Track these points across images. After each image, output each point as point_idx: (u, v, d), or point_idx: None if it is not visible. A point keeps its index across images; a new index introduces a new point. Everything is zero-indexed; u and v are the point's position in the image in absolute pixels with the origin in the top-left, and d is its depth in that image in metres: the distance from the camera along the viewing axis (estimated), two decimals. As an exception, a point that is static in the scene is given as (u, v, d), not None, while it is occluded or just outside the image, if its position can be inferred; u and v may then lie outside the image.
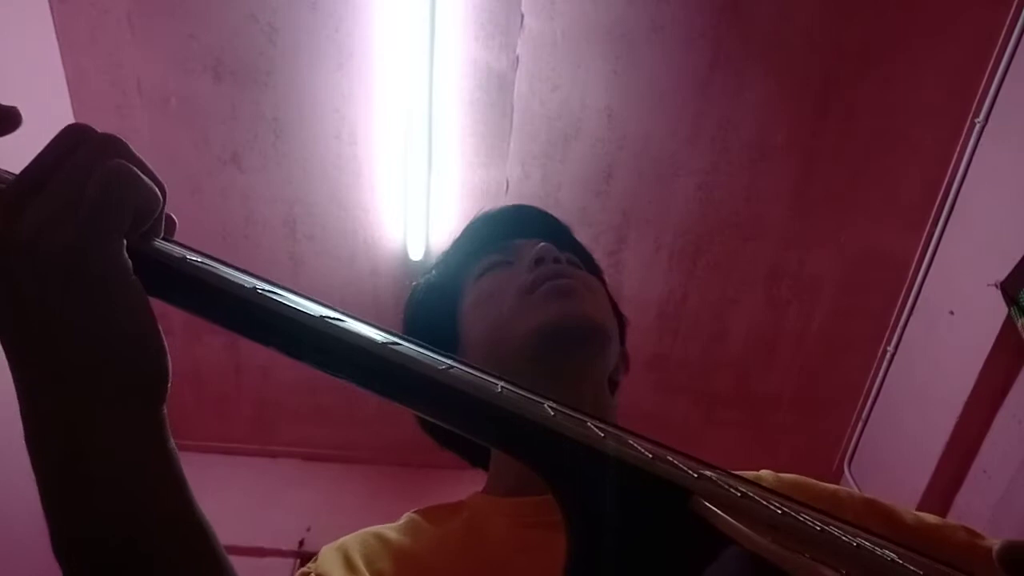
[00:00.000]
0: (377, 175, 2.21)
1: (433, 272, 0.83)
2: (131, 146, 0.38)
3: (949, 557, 0.55)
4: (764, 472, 0.69)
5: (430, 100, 2.00)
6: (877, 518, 0.63)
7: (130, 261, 0.36)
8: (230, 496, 2.47)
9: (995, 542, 0.60)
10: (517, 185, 2.21)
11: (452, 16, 1.95)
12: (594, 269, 0.81)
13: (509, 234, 0.79)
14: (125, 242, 0.36)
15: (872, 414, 2.53)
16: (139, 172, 0.37)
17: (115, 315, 0.36)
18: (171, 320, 2.61)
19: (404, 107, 2.04)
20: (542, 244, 0.71)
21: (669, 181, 2.24)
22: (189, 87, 2.06)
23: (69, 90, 2.04)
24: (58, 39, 1.99)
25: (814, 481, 0.68)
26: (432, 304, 0.78)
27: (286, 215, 2.27)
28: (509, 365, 0.64)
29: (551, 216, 0.86)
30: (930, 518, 0.64)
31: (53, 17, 1.96)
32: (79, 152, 0.37)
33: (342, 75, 2.05)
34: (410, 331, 0.75)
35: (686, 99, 2.13)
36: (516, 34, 2.02)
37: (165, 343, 0.40)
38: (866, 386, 2.54)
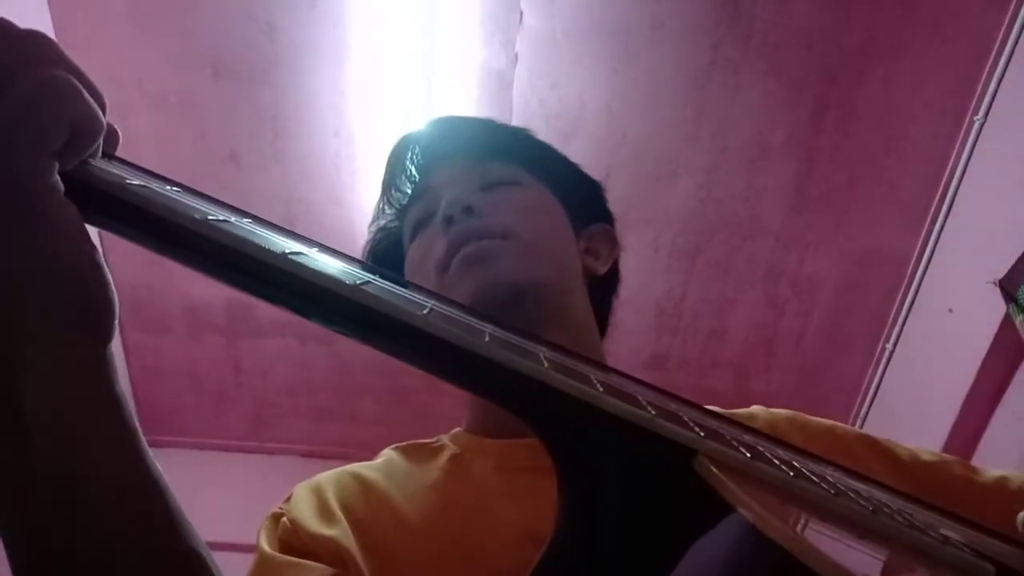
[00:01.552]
0: (377, 174, 2.20)
1: (375, 230, 0.79)
2: (61, 48, 0.34)
3: (946, 493, 0.55)
4: (756, 408, 0.67)
5: (429, 98, 2.00)
6: (873, 454, 0.62)
7: (62, 184, 0.32)
8: (229, 494, 2.47)
9: (990, 475, 0.60)
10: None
11: (451, 14, 1.95)
12: (532, 157, 0.75)
13: (429, 164, 0.74)
14: (57, 164, 0.32)
15: (871, 412, 2.53)
16: (77, 84, 0.33)
17: (43, 242, 0.31)
18: (170, 319, 2.59)
19: (403, 105, 2.04)
20: (449, 196, 0.65)
21: (668, 180, 2.24)
22: (188, 85, 2.06)
23: (68, 88, 2.04)
24: (58, 38, 1.98)
25: (809, 417, 0.67)
26: (383, 263, 0.75)
27: (285, 213, 2.27)
28: None
29: (466, 122, 0.79)
30: (926, 454, 0.63)
31: (52, 16, 1.95)
32: (5, 55, 0.32)
33: (341, 73, 2.05)
34: None
35: (686, 98, 2.13)
36: (515, 32, 2.02)
37: (107, 274, 0.35)
38: (865, 384, 2.54)
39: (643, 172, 2.22)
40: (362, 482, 0.59)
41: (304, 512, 0.56)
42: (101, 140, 0.35)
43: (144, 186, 0.34)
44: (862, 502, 0.30)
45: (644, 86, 2.11)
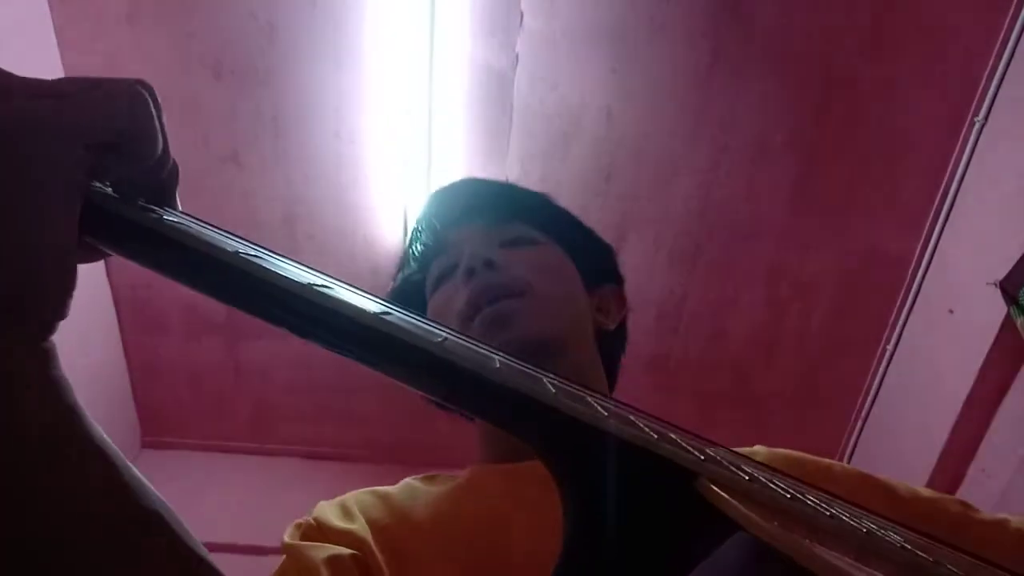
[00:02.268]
0: (376, 174, 2.20)
1: (398, 283, 0.84)
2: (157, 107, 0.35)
3: (943, 530, 0.56)
4: (758, 447, 0.69)
5: (430, 99, 2.00)
6: (872, 492, 0.63)
7: (97, 215, 0.32)
8: (230, 495, 2.48)
9: (989, 515, 0.60)
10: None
11: (452, 15, 1.95)
12: (549, 220, 0.79)
13: (450, 222, 0.79)
14: (89, 157, 0.32)
15: (871, 413, 2.53)
16: (155, 115, 0.34)
17: (28, 202, 0.30)
18: (170, 320, 2.60)
19: (404, 106, 2.04)
20: (470, 251, 0.70)
21: (669, 180, 2.24)
22: (189, 86, 2.06)
23: (68, 89, 2.04)
24: (57, 38, 1.98)
25: (808, 456, 0.68)
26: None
27: (286, 214, 2.27)
28: None
29: (488, 185, 0.85)
30: (924, 492, 0.64)
31: (53, 17, 1.96)
32: (108, 79, 0.34)
33: (342, 74, 2.05)
34: None
35: (686, 98, 2.13)
36: (516, 33, 2.02)
37: (72, 280, 0.33)
38: (865, 385, 2.54)
39: (643, 172, 2.22)
40: (381, 496, 0.63)
41: (327, 514, 0.60)
42: (156, 183, 0.37)
43: (181, 222, 0.35)
44: (855, 523, 0.31)
45: (644, 86, 2.11)
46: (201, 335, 2.45)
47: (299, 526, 0.60)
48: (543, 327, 0.67)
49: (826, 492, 0.39)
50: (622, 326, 0.81)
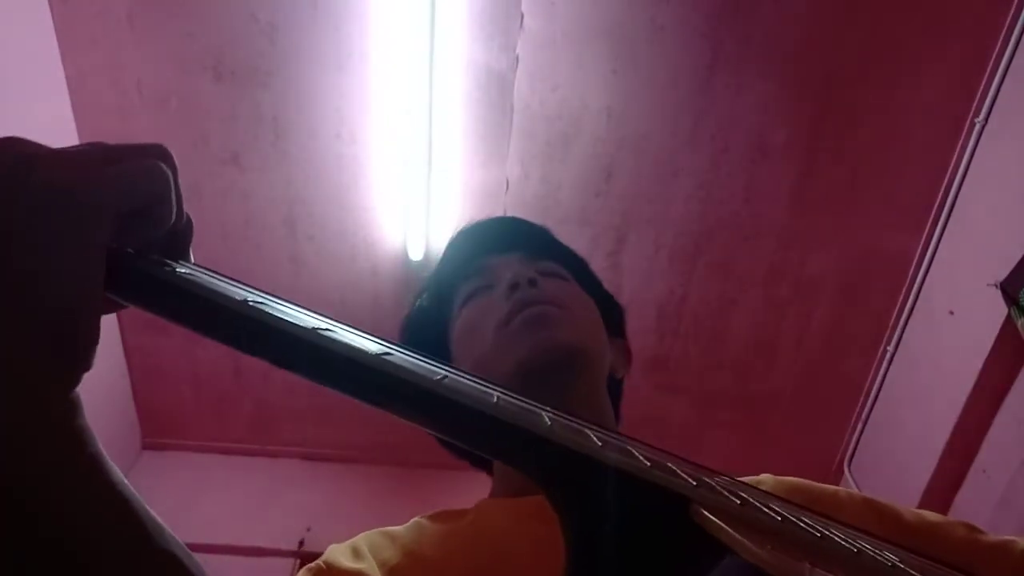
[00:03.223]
0: (377, 175, 2.21)
1: (423, 299, 0.85)
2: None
3: (949, 554, 0.56)
4: (764, 476, 0.70)
5: (430, 100, 2.00)
6: (877, 517, 0.63)
7: (115, 269, 0.35)
8: (230, 496, 2.48)
9: (995, 538, 0.60)
10: (517, 185, 2.21)
11: (452, 16, 1.95)
12: (577, 267, 0.83)
13: (487, 251, 0.81)
14: (112, 227, 0.34)
15: (872, 414, 2.53)
16: (173, 187, 0.37)
17: (65, 266, 0.33)
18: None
19: (404, 107, 2.04)
20: (515, 269, 0.73)
21: (669, 181, 2.24)
22: (189, 87, 2.06)
23: (69, 90, 2.04)
24: (58, 39, 1.99)
25: (813, 483, 0.68)
26: (425, 335, 0.81)
27: (286, 215, 2.27)
28: None
29: (527, 224, 0.88)
30: (930, 516, 0.64)
31: (53, 17, 1.96)
32: (129, 146, 0.37)
33: (342, 75, 2.05)
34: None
35: (686, 99, 2.13)
36: (516, 34, 2.02)
37: (97, 331, 0.36)
38: (866, 386, 2.54)
39: (643, 173, 2.22)
40: (392, 538, 0.64)
41: (337, 557, 0.60)
42: (171, 241, 0.40)
43: (192, 274, 0.37)
44: (847, 544, 0.31)
45: (644, 86, 2.11)
46: (201, 337, 2.45)
47: (310, 571, 0.60)
48: (580, 337, 0.69)
49: (821, 515, 0.39)
50: (621, 383, 0.84)
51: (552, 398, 0.63)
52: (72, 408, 0.35)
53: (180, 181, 0.39)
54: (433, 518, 0.68)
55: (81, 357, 0.35)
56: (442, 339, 0.78)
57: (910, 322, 2.36)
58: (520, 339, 0.67)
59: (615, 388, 0.80)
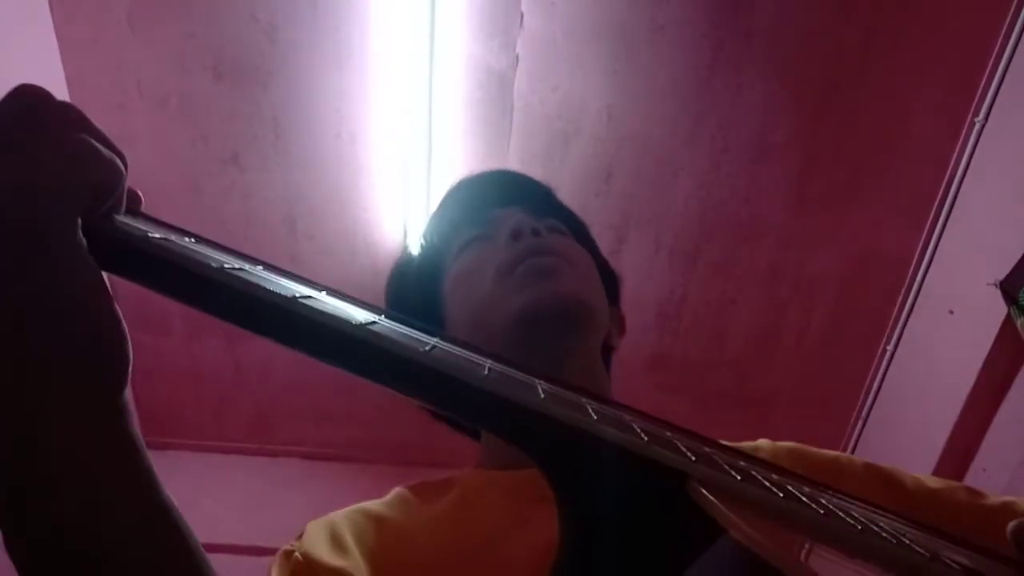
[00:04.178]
0: (377, 174, 2.20)
1: (414, 246, 0.81)
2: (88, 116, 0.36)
3: (952, 519, 0.55)
4: (761, 441, 0.68)
5: (430, 99, 2.00)
6: (878, 483, 0.62)
7: (85, 241, 0.34)
8: (229, 496, 2.48)
9: (996, 499, 0.59)
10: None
11: (452, 15, 1.95)
12: (578, 230, 0.80)
13: (488, 203, 0.77)
14: (81, 221, 0.34)
15: (872, 413, 2.53)
16: (100, 148, 0.35)
17: (69, 301, 0.33)
18: (170, 320, 2.59)
19: (404, 106, 2.04)
20: (518, 217, 0.70)
21: (669, 180, 2.24)
22: (189, 87, 2.06)
23: (69, 90, 2.04)
24: (58, 39, 1.98)
25: (812, 449, 0.67)
26: (415, 280, 0.78)
27: (286, 215, 2.27)
28: (492, 347, 0.63)
29: (530, 179, 0.84)
30: (931, 481, 0.63)
31: (53, 17, 1.96)
32: (36, 122, 0.35)
33: (342, 74, 2.05)
34: (394, 308, 0.74)
35: (686, 98, 2.13)
36: (516, 33, 2.02)
37: (124, 326, 0.37)
38: (866, 385, 2.54)
39: (643, 172, 2.22)
40: (374, 518, 0.60)
41: (317, 547, 0.57)
42: (124, 198, 0.38)
43: (165, 239, 0.36)
44: (850, 521, 0.31)
45: (644, 87, 2.11)
46: (201, 336, 2.45)
47: (287, 558, 0.57)
48: (585, 292, 0.66)
49: (824, 486, 0.39)
50: (611, 351, 0.81)
51: (551, 354, 0.62)
52: (125, 415, 0.35)
53: (104, 130, 0.37)
54: (417, 492, 0.65)
55: (120, 365, 0.35)
56: (433, 289, 0.74)
57: (910, 321, 2.36)
58: (523, 288, 0.64)
59: (607, 357, 0.77)
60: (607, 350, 0.76)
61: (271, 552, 0.60)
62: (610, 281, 0.80)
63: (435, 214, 0.81)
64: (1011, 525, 0.37)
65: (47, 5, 1.93)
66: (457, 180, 0.83)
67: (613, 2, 2.00)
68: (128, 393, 0.37)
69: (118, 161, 0.36)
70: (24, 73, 1.91)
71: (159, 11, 1.97)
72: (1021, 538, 0.37)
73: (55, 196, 0.33)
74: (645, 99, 2.13)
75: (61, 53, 2.00)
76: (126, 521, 0.34)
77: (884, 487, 0.62)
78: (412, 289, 0.77)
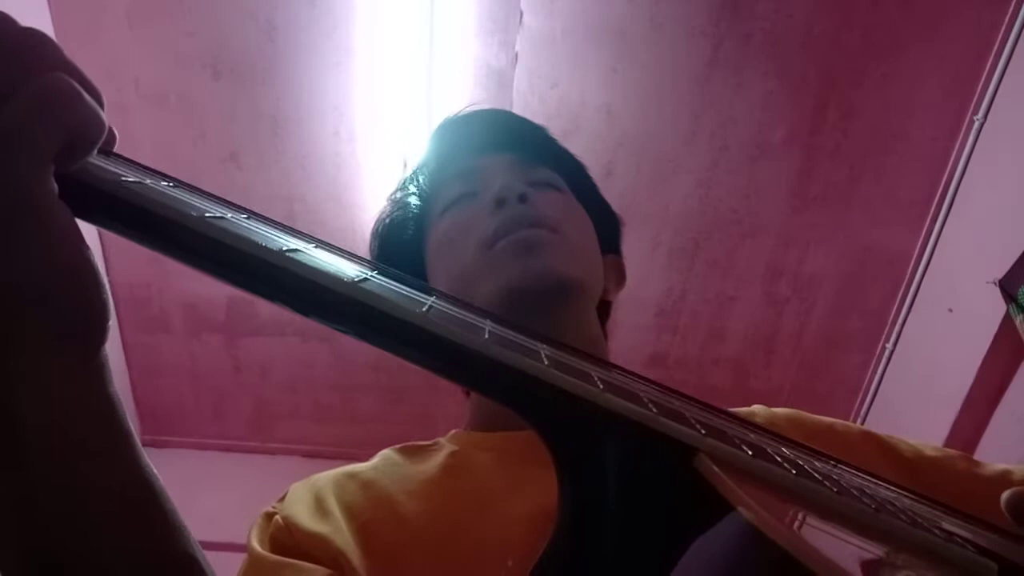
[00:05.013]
0: (376, 173, 2.20)
1: (398, 197, 0.77)
2: (60, 47, 0.34)
3: (950, 488, 0.55)
4: (757, 407, 0.67)
5: (429, 97, 2.00)
6: (875, 451, 0.62)
7: (56, 185, 0.31)
8: (229, 493, 2.47)
9: (993, 469, 0.59)
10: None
11: (451, 13, 1.95)
12: (574, 174, 0.76)
13: (477, 148, 0.73)
14: (53, 167, 0.31)
15: (871, 411, 2.53)
16: (77, 87, 0.32)
17: (39, 247, 0.31)
18: (170, 318, 2.59)
19: (403, 105, 2.04)
20: (504, 177, 0.66)
21: (668, 178, 2.24)
22: (188, 85, 2.06)
23: (68, 88, 2.04)
24: (56, 37, 1.98)
25: (809, 415, 0.66)
26: (397, 239, 0.74)
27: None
28: None
29: (523, 120, 0.79)
30: (929, 449, 0.62)
31: (51, 15, 1.95)
32: (6, 56, 0.32)
33: (341, 72, 2.05)
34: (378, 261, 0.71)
35: (685, 97, 2.13)
36: (515, 31, 2.02)
37: (102, 277, 0.34)
38: (865, 383, 2.55)
39: (643, 171, 2.22)
40: (360, 481, 0.58)
41: (298, 510, 0.55)
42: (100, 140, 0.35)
43: (139, 182, 0.33)
44: (865, 500, 0.30)
45: (644, 85, 2.11)
46: (201, 334, 2.45)
47: (268, 521, 0.55)
48: (570, 265, 0.62)
49: (836, 460, 0.38)
50: (609, 306, 0.77)
51: (539, 328, 0.60)
52: (101, 375, 0.33)
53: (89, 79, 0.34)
54: (405, 453, 0.63)
55: (98, 320, 0.33)
56: (415, 251, 0.71)
57: (909, 320, 2.36)
58: (506, 264, 0.60)
59: (603, 309, 0.74)
60: (604, 305, 0.73)
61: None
62: (608, 227, 0.76)
63: (420, 160, 0.77)
64: (1005, 495, 0.37)
65: (45, 3, 1.93)
66: (444, 120, 0.78)
67: (613, 1, 2.00)
68: (116, 348, 0.35)
69: (99, 110, 0.33)
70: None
71: (158, 9, 1.97)
72: (1016, 508, 0.37)
73: (23, 138, 0.30)
74: (644, 97, 2.13)
75: (60, 51, 2.00)
76: (101, 474, 0.32)
77: (882, 454, 0.61)
78: (395, 246, 0.73)
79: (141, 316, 2.37)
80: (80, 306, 0.32)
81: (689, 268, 2.39)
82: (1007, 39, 2.00)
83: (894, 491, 0.38)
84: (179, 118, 2.09)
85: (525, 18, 2.00)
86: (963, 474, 0.59)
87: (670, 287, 2.42)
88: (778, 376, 2.57)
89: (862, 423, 2.55)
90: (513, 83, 2.08)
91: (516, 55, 2.05)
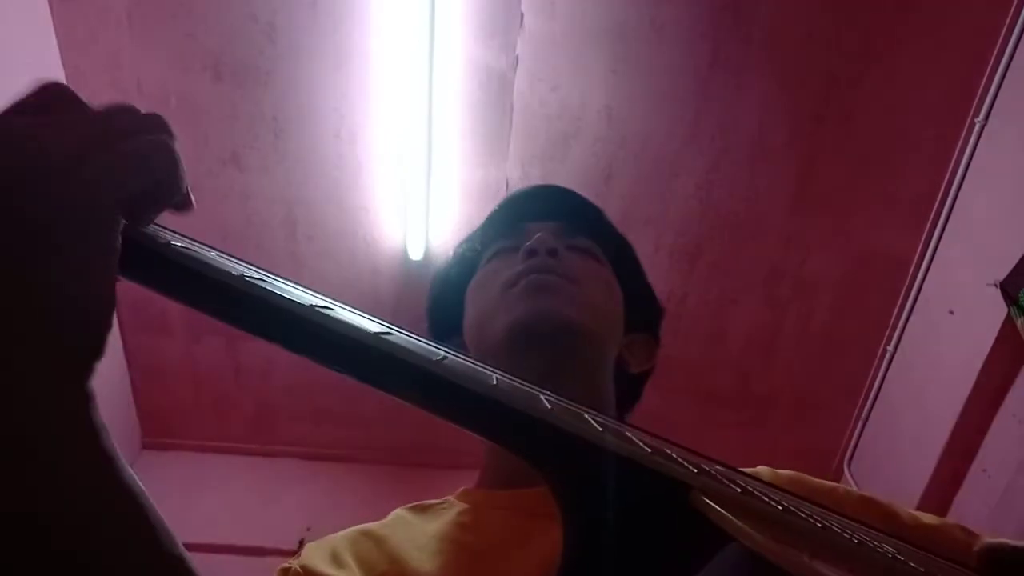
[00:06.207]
0: (377, 175, 2.20)
1: (459, 249, 0.85)
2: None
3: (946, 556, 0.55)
4: (761, 468, 0.69)
5: (430, 100, 2.00)
6: (874, 516, 0.63)
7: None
8: (230, 496, 2.48)
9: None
10: (517, 185, 2.21)
11: (452, 15, 1.95)
12: (621, 255, 0.82)
13: (528, 215, 0.80)
14: (122, 217, 0.32)
15: (872, 414, 2.53)
16: (178, 155, 0.36)
17: (81, 267, 0.31)
18: (170, 320, 2.60)
19: (404, 107, 2.04)
20: (537, 235, 0.72)
21: (669, 181, 2.24)
22: (189, 87, 2.06)
23: (69, 90, 2.04)
24: (58, 39, 1.98)
25: (811, 478, 0.68)
26: (449, 282, 0.81)
27: (286, 215, 2.27)
28: (489, 357, 0.64)
29: (577, 196, 0.86)
30: (927, 517, 0.64)
31: (53, 17, 1.96)
32: (128, 116, 0.35)
33: (342, 74, 2.05)
34: (433, 309, 0.82)
35: (686, 99, 2.13)
36: (516, 33, 2.02)
37: (114, 316, 0.34)
38: (866, 386, 2.54)
39: (643, 172, 2.22)
40: (374, 538, 0.61)
41: (316, 562, 0.57)
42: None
43: (188, 247, 0.36)
44: (847, 534, 0.31)
45: (644, 87, 2.11)
46: (202, 336, 2.45)
47: (285, 574, 0.57)
48: (580, 314, 0.67)
49: (819, 506, 0.39)
50: (642, 381, 0.83)
51: (541, 369, 0.62)
52: (87, 403, 0.32)
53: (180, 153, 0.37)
54: (416, 511, 0.65)
55: (95, 350, 0.32)
56: (460, 292, 0.78)
57: (910, 322, 2.36)
58: (517, 302, 0.66)
59: (627, 381, 0.78)
60: (626, 377, 0.77)
61: (271, 552, 0.60)
62: (643, 309, 0.81)
63: (485, 221, 0.85)
64: (978, 546, 0.37)
65: (47, 4, 1.93)
66: (510, 193, 0.87)
67: (613, 2, 2.00)
68: (116, 349, 0.35)
69: (184, 181, 0.36)
70: (24, 73, 1.91)
71: (159, 11, 1.98)
72: (988, 558, 0.37)
73: (130, 164, 0.33)
74: (645, 99, 2.13)
75: (61, 52, 2.00)
76: (86, 490, 0.31)
77: (880, 520, 0.62)
78: (445, 291, 0.81)
79: (142, 317, 2.37)
80: (87, 332, 0.32)
81: (690, 270, 2.39)
82: (1008, 41, 2.00)
83: (882, 537, 0.39)
84: (180, 120, 2.08)
85: (526, 20, 2.00)
86: (960, 543, 0.60)
87: (671, 289, 2.42)
88: (779, 378, 2.56)
89: (863, 425, 2.55)
90: (514, 85, 2.08)
91: (517, 57, 2.05)
